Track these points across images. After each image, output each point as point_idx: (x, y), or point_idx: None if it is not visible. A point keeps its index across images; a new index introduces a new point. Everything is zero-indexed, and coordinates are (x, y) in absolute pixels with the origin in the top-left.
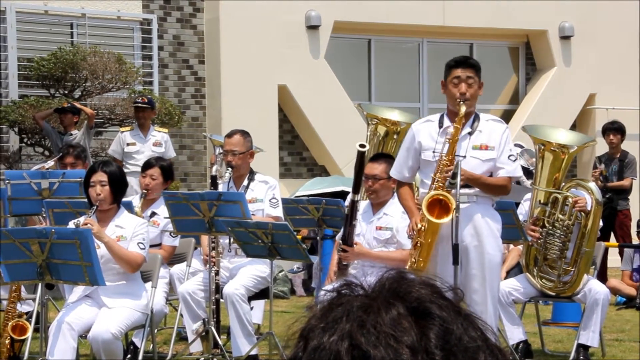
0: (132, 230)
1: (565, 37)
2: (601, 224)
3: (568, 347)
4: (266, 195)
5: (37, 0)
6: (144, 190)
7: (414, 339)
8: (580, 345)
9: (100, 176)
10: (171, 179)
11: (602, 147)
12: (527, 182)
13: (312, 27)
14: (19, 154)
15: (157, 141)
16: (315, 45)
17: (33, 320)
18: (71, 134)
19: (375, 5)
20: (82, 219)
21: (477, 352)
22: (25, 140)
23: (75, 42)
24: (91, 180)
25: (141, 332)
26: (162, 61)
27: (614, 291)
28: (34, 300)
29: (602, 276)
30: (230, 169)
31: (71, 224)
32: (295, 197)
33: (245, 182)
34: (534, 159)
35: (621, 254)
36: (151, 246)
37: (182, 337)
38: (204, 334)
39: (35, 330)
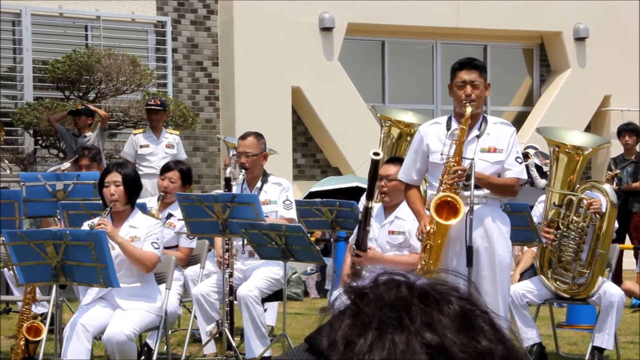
0: (146, 230)
1: (580, 39)
2: (616, 226)
3: (583, 350)
4: (280, 197)
5: (52, 2)
6: (161, 193)
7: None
8: (595, 348)
9: (115, 177)
10: (190, 182)
11: (616, 149)
12: (542, 183)
13: (326, 29)
14: (34, 156)
15: (170, 143)
16: (329, 47)
17: (48, 321)
18: (85, 136)
19: (388, 7)
20: (96, 220)
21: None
22: (40, 142)
23: (89, 44)
24: (105, 181)
25: (155, 333)
26: (176, 63)
27: (629, 293)
28: (48, 301)
29: (617, 278)
30: (243, 170)
31: (85, 226)
32: (311, 192)
33: (259, 184)
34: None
35: (636, 256)
36: (167, 248)
37: (196, 339)
38: (217, 335)
39: (50, 331)
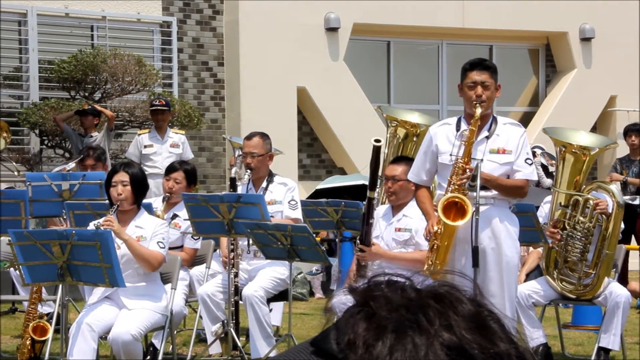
0: (151, 230)
1: (586, 39)
2: (622, 226)
3: (588, 351)
4: (285, 197)
5: (58, 2)
6: (167, 194)
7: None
8: (601, 349)
9: (122, 176)
10: (194, 183)
11: (622, 149)
12: (547, 182)
13: (332, 30)
14: (40, 156)
15: (175, 142)
16: (334, 48)
17: (54, 321)
18: (91, 136)
19: (394, 7)
20: (102, 220)
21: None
22: (46, 142)
23: (95, 44)
24: (113, 180)
25: (161, 333)
26: (182, 63)
27: (635, 294)
28: (54, 301)
29: (623, 279)
30: (249, 171)
31: (91, 226)
32: (317, 190)
33: (264, 184)
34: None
35: None
36: (172, 248)
37: (201, 339)
38: (223, 335)
39: (56, 331)
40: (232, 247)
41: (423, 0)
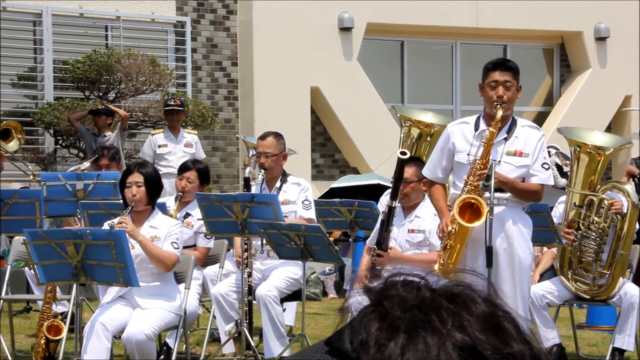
0: (166, 230)
1: (600, 39)
2: (637, 226)
3: (603, 351)
4: (299, 197)
5: (73, 3)
6: (179, 193)
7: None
8: (615, 349)
9: (137, 177)
10: (207, 182)
11: (637, 149)
12: (562, 182)
13: (345, 29)
14: (54, 156)
15: (188, 142)
16: (348, 47)
17: (68, 320)
18: (105, 136)
19: (408, 7)
20: (116, 220)
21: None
22: (60, 142)
23: (109, 44)
24: (127, 181)
25: (174, 333)
26: (196, 63)
27: None
28: (68, 300)
29: (638, 279)
30: (263, 170)
31: (106, 225)
32: (331, 188)
33: (278, 184)
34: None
35: None
36: (185, 247)
37: (214, 339)
38: (236, 335)
39: (70, 330)
40: (245, 246)
41: (437, 0)
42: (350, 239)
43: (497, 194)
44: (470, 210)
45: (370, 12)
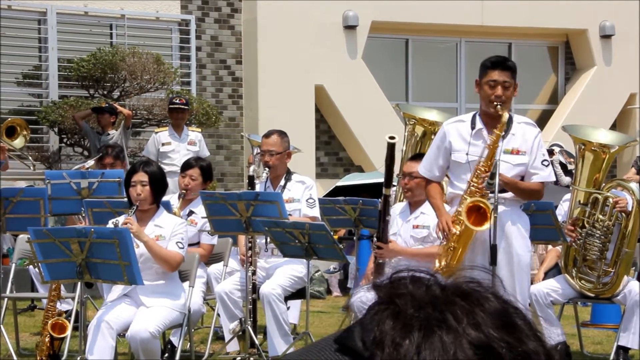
0: (171, 229)
1: (605, 36)
2: None
3: (607, 349)
4: (303, 196)
5: (78, 1)
6: (183, 191)
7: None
8: (620, 347)
9: (141, 176)
10: (210, 179)
11: None
12: (566, 180)
13: (350, 27)
14: (59, 154)
15: (192, 140)
16: (352, 46)
17: (72, 318)
18: (108, 134)
19: (412, 5)
20: (121, 219)
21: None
22: (64, 140)
23: (114, 42)
24: (132, 180)
25: (179, 331)
26: (200, 62)
27: None
28: (73, 299)
29: None
30: (267, 169)
31: (110, 224)
32: (337, 186)
33: (282, 182)
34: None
35: None
36: (189, 245)
37: (219, 337)
38: (240, 333)
39: (75, 328)
40: (249, 245)
41: None
42: (355, 237)
43: (498, 194)
44: (477, 213)
45: (375, 10)
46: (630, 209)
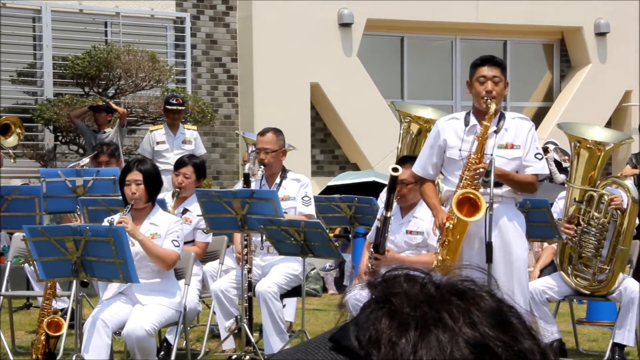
0: (166, 228)
1: (600, 34)
2: (637, 222)
3: (603, 346)
4: (298, 193)
5: None
6: (177, 189)
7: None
8: (615, 345)
9: (136, 175)
10: (203, 176)
11: (637, 144)
12: (560, 178)
13: (345, 25)
14: (54, 152)
15: (187, 139)
16: (347, 43)
17: (68, 316)
18: (104, 132)
19: (408, 3)
20: (116, 217)
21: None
22: (60, 138)
23: (109, 40)
24: (126, 179)
25: (174, 329)
26: (195, 59)
27: None
28: (68, 297)
29: (638, 275)
30: (262, 167)
31: (105, 222)
32: (328, 186)
33: (278, 180)
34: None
35: None
36: (184, 243)
37: (214, 335)
38: (236, 331)
39: (70, 326)
40: (245, 243)
41: None
42: (350, 235)
43: (493, 190)
44: (468, 204)
45: (370, 8)
46: (625, 206)
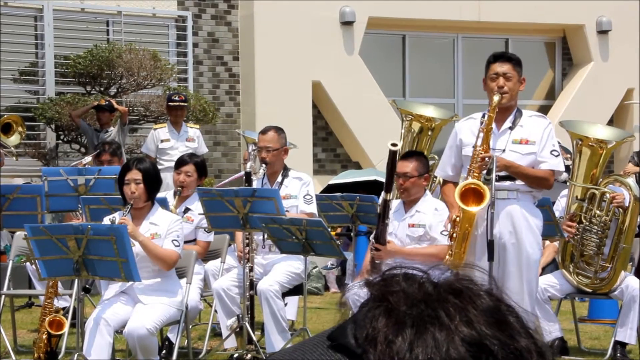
0: (166, 227)
1: (602, 32)
2: (639, 220)
3: (605, 344)
4: (300, 192)
5: None
6: (178, 188)
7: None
8: (617, 343)
9: (135, 174)
10: (205, 175)
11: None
12: (563, 176)
13: (347, 23)
14: (56, 151)
15: (190, 137)
16: (349, 42)
17: (70, 315)
18: (107, 131)
19: (409, 1)
20: (117, 216)
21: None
22: (61, 137)
23: (111, 39)
24: (125, 179)
25: (176, 327)
26: (197, 58)
27: None
28: (70, 295)
29: None
30: (264, 165)
31: (106, 221)
32: (329, 185)
33: (279, 179)
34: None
35: None
36: (186, 242)
37: (216, 333)
38: (238, 330)
39: (72, 325)
40: (247, 241)
41: None
42: (352, 233)
43: (505, 184)
44: (473, 195)
45: (372, 6)
46: (627, 204)
